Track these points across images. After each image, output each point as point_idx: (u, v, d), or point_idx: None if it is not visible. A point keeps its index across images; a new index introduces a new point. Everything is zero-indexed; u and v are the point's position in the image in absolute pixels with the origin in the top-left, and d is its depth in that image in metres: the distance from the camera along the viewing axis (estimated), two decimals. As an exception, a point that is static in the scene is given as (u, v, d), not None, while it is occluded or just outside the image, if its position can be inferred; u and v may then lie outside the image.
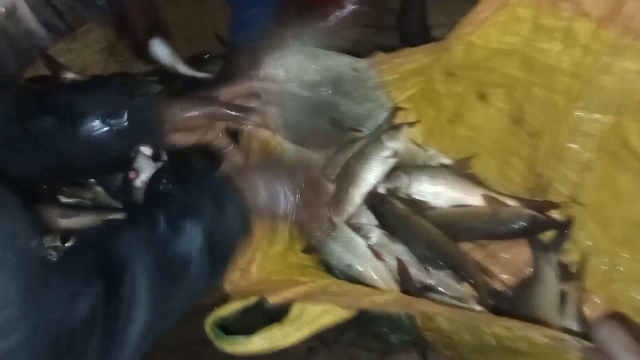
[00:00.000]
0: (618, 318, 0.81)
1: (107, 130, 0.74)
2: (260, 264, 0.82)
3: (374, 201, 1.05)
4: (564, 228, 0.98)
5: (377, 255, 0.97)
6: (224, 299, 0.75)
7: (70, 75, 1.26)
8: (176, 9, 1.26)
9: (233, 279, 0.78)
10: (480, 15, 0.90)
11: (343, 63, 0.96)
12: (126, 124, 0.75)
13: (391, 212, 1.02)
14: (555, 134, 0.96)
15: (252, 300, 0.72)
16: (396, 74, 1.00)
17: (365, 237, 1.01)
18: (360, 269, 0.96)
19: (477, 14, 0.90)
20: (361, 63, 0.97)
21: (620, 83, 0.83)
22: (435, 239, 0.98)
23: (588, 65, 0.86)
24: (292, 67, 0.94)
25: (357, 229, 1.02)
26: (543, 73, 0.94)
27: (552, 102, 0.94)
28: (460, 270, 0.95)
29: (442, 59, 0.97)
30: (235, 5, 1.10)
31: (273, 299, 0.71)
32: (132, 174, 1.15)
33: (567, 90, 0.91)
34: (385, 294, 0.75)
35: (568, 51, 0.87)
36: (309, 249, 1.00)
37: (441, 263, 0.97)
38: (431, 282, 0.96)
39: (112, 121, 0.74)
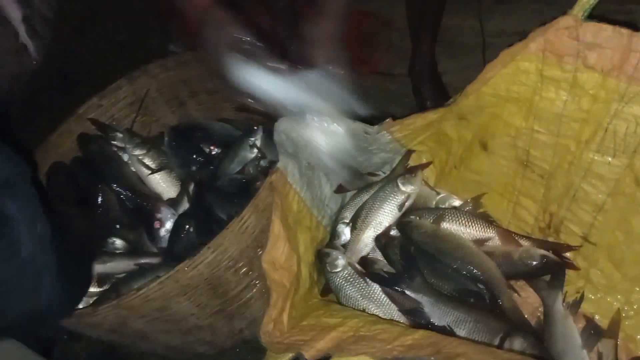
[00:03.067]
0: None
1: None
2: (289, 312, 0.81)
3: (383, 241, 1.03)
4: (572, 267, 0.97)
5: (393, 301, 0.94)
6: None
7: (118, 134, 1.29)
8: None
9: (267, 331, 0.76)
10: (487, 75, 0.91)
11: (356, 128, 0.96)
12: None
13: (419, 234, 1.00)
14: (568, 175, 0.95)
15: (288, 356, 0.71)
16: (408, 131, 1.00)
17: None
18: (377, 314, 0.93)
19: (484, 74, 0.92)
20: (372, 129, 0.97)
21: (634, 127, 0.83)
22: (465, 251, 0.96)
23: (596, 112, 0.86)
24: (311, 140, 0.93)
25: (370, 265, 1.00)
26: (549, 121, 0.94)
27: (561, 146, 0.94)
28: (492, 287, 0.93)
29: (453, 109, 0.97)
30: None
31: (309, 354, 0.70)
32: (157, 224, 1.16)
33: (578, 135, 0.90)
34: (414, 332, 0.73)
35: (576, 100, 0.87)
36: (325, 291, 0.98)
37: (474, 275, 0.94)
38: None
39: None
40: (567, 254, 0.99)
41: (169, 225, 1.17)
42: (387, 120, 0.98)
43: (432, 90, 1.44)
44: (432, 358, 0.67)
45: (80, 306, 1.05)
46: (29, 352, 0.92)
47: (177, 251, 1.10)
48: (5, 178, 0.66)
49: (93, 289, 1.10)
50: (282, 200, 0.87)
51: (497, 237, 1.00)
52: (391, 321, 0.87)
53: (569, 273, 0.97)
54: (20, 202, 0.66)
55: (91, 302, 1.07)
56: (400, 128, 0.99)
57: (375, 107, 1.55)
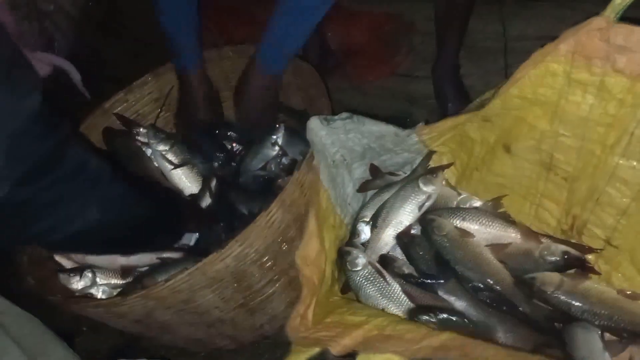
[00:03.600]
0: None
1: None
2: (314, 309, 0.82)
3: (405, 240, 1.03)
4: (593, 271, 0.95)
5: (413, 300, 0.95)
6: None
7: (142, 130, 1.31)
8: (222, 64, 1.30)
9: (294, 326, 0.77)
10: (517, 76, 0.91)
11: (387, 130, 0.97)
12: None
13: (439, 236, 0.99)
14: (592, 178, 0.95)
15: (315, 351, 0.72)
16: (435, 133, 1.01)
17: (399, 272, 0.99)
18: (397, 314, 0.93)
19: (515, 75, 0.91)
20: (403, 132, 0.98)
21: (660, 134, 0.83)
22: (482, 262, 0.95)
23: (623, 117, 0.86)
24: (342, 141, 0.95)
25: (390, 263, 1.01)
26: (574, 124, 0.94)
27: (586, 150, 0.94)
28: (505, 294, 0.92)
29: (480, 111, 0.98)
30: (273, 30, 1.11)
31: (335, 349, 0.70)
32: None
33: (603, 139, 0.90)
34: (440, 334, 0.74)
35: (603, 104, 0.87)
36: (345, 289, 0.99)
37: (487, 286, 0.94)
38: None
39: None
40: (590, 258, 0.99)
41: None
42: (420, 124, 0.99)
43: (454, 92, 1.44)
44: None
45: (106, 296, 1.07)
46: (52, 337, 0.93)
47: (201, 246, 1.11)
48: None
49: (117, 281, 1.11)
50: (315, 196, 0.89)
51: (518, 235, 0.99)
52: (415, 322, 0.87)
53: (592, 276, 0.96)
54: None
55: (115, 293, 1.09)
56: (429, 131, 0.99)
57: (397, 108, 1.59)
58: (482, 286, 0.94)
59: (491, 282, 0.93)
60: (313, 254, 0.86)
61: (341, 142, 0.95)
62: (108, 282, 1.11)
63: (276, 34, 1.11)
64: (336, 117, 0.92)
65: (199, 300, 0.95)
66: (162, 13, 1.17)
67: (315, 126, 0.90)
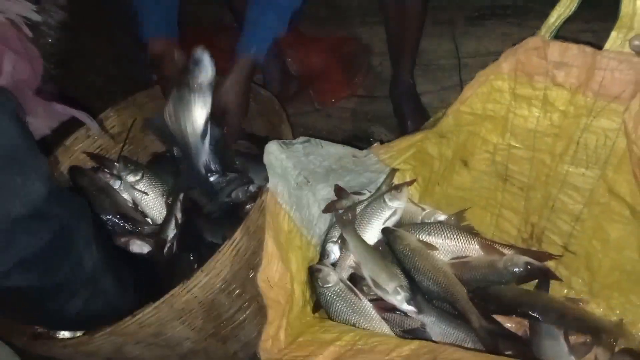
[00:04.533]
0: (629, 352, 0.82)
1: None
2: (286, 329, 0.82)
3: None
4: (555, 277, 0.98)
5: (382, 315, 0.96)
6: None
7: (115, 164, 1.32)
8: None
9: (266, 348, 0.77)
10: (464, 95, 0.95)
11: (344, 152, 0.99)
12: None
13: (402, 245, 1.01)
14: (546, 187, 0.99)
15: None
16: (393, 152, 1.04)
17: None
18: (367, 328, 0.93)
19: (462, 95, 0.96)
20: (360, 153, 1.01)
21: (603, 140, 0.86)
22: (440, 274, 0.97)
23: (567, 127, 0.90)
24: (303, 163, 0.97)
25: (360, 281, 1.02)
26: (524, 136, 0.98)
27: (537, 160, 0.98)
28: (458, 308, 0.94)
29: (435, 128, 1.01)
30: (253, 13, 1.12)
31: (308, 370, 0.71)
32: None
33: (552, 149, 0.94)
34: (410, 343, 0.75)
35: (548, 116, 0.91)
36: (317, 306, 0.99)
37: (442, 296, 0.96)
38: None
39: None
40: (550, 264, 1.02)
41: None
42: (375, 144, 1.02)
43: (412, 110, 1.48)
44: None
45: (70, 335, 1.05)
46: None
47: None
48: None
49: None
50: (274, 220, 0.89)
51: (481, 248, 1.02)
52: (386, 334, 0.88)
53: (553, 282, 0.99)
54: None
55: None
56: (386, 150, 1.02)
57: (359, 128, 1.61)
58: (438, 296, 0.96)
59: (446, 294, 0.95)
60: (276, 275, 0.86)
61: (302, 164, 0.96)
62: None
63: (250, 18, 1.13)
64: (294, 141, 0.93)
65: (169, 333, 0.94)
66: None
67: (274, 150, 0.91)
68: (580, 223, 0.97)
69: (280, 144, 0.92)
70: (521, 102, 0.93)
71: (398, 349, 0.74)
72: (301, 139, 0.94)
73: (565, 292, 1.02)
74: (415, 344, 0.75)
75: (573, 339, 0.91)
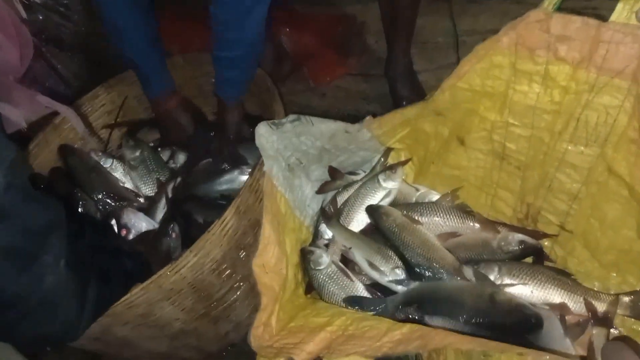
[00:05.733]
0: (623, 339, 0.80)
1: None
2: (278, 315, 0.79)
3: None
4: (547, 259, 0.96)
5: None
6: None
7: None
8: (174, 72, 1.26)
9: (257, 334, 0.74)
10: (462, 70, 0.90)
11: (336, 127, 0.95)
12: None
13: (387, 222, 0.97)
14: (543, 165, 0.95)
15: (279, 360, 0.69)
16: (387, 127, 0.99)
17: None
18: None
19: (458, 69, 0.91)
20: (353, 127, 0.96)
21: (604, 117, 0.83)
22: (429, 246, 0.93)
23: (568, 103, 0.86)
24: (294, 145, 0.93)
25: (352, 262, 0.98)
26: (523, 113, 0.94)
27: (536, 138, 0.94)
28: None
29: (430, 104, 0.97)
30: (217, 66, 1.11)
31: (300, 357, 0.68)
32: (123, 232, 1.13)
33: (551, 126, 0.90)
34: (402, 327, 0.72)
35: (548, 92, 0.87)
36: (309, 288, 0.96)
37: (433, 268, 0.91)
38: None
39: None
40: (546, 244, 0.99)
41: (135, 230, 1.13)
42: (367, 117, 0.97)
43: (408, 88, 1.44)
44: (421, 351, 0.66)
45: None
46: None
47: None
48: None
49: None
50: (271, 203, 0.85)
51: (475, 226, 0.98)
52: (378, 317, 0.85)
53: (548, 262, 0.96)
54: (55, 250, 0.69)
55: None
56: (379, 125, 0.98)
57: (354, 106, 1.57)
58: (429, 272, 0.91)
59: (437, 266, 0.91)
60: (273, 260, 0.83)
61: (294, 145, 0.92)
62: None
63: (219, 75, 1.13)
64: (284, 120, 0.89)
65: (158, 313, 0.91)
66: (127, 47, 1.15)
67: (265, 132, 0.87)
68: (577, 202, 0.94)
69: (270, 125, 0.88)
70: (521, 77, 0.88)
71: (390, 333, 0.71)
72: (291, 117, 0.89)
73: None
74: (406, 328, 0.72)
75: (568, 319, 0.88)
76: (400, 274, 0.92)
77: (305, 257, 0.95)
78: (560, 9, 0.81)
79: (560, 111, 0.88)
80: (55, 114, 1.29)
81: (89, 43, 1.96)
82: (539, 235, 0.98)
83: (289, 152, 0.93)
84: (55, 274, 0.68)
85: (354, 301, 0.90)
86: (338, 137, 0.95)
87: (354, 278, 0.94)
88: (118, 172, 1.29)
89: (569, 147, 0.90)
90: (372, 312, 0.88)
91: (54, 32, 2.02)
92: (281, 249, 0.86)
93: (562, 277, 0.88)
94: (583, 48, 0.78)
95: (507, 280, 0.88)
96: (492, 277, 0.88)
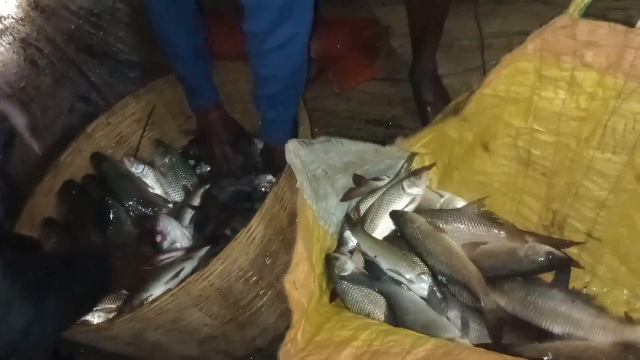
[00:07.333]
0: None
1: None
2: (304, 328, 0.79)
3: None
4: (576, 266, 0.93)
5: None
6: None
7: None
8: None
9: (286, 351, 0.75)
10: (488, 79, 0.90)
11: (367, 148, 0.96)
12: None
13: (412, 228, 0.96)
14: (570, 172, 0.93)
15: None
16: (415, 137, 1.01)
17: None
18: (380, 318, 0.91)
19: (486, 79, 0.91)
20: (384, 148, 0.97)
21: (632, 124, 0.81)
22: (452, 255, 0.92)
23: (595, 110, 0.84)
24: (322, 159, 0.93)
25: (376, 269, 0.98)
26: (548, 120, 0.92)
27: (562, 144, 0.92)
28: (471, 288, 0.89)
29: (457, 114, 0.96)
30: (257, 107, 1.09)
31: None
32: (158, 238, 1.15)
33: (577, 133, 0.89)
34: (427, 342, 0.72)
35: (574, 98, 0.86)
36: (333, 296, 0.96)
37: (455, 278, 0.91)
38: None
39: None
40: (573, 251, 0.97)
41: (171, 236, 1.16)
42: (399, 138, 0.98)
43: (432, 96, 1.42)
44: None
45: (98, 321, 1.05)
46: None
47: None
48: None
49: (111, 305, 1.08)
50: (304, 219, 0.86)
51: (501, 234, 0.97)
52: (402, 330, 0.84)
53: (575, 269, 0.94)
54: None
55: (110, 316, 1.06)
56: (410, 144, 0.99)
57: (378, 111, 1.57)
58: (451, 278, 0.92)
59: (459, 275, 0.90)
60: (302, 276, 0.83)
61: (321, 159, 0.93)
62: (103, 307, 1.08)
63: (260, 109, 1.11)
64: (314, 140, 0.90)
65: (187, 319, 0.93)
66: (179, 61, 1.17)
67: (294, 148, 0.88)
68: (605, 210, 0.92)
69: (300, 142, 0.89)
70: (547, 83, 0.87)
71: (414, 350, 0.71)
72: (321, 138, 0.90)
73: (588, 279, 0.98)
74: (431, 344, 0.72)
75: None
76: (427, 279, 0.91)
77: (330, 263, 0.95)
78: (586, 14, 0.80)
79: (586, 118, 0.86)
80: (87, 122, 1.34)
81: (118, 51, 2.02)
82: (566, 244, 0.96)
83: (316, 165, 0.94)
84: None
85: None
86: (367, 154, 0.96)
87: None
88: (149, 179, 1.33)
89: (596, 154, 0.88)
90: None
91: (85, 40, 2.09)
92: (310, 264, 0.87)
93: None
94: (610, 54, 0.77)
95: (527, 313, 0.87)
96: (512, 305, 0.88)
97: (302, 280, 0.83)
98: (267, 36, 0.90)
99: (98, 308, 1.07)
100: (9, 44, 2.17)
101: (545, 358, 0.80)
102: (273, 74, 0.98)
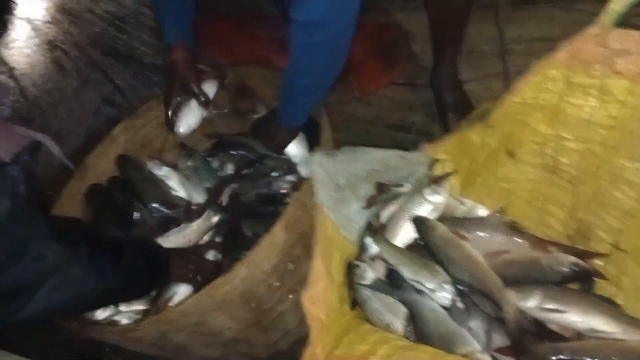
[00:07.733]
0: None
1: None
2: (323, 341, 0.78)
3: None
4: (601, 277, 0.91)
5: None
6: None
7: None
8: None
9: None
10: (517, 87, 0.89)
11: (392, 155, 0.96)
12: None
13: (433, 236, 0.95)
14: (596, 180, 0.92)
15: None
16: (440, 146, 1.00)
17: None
18: (399, 330, 0.90)
19: (515, 87, 0.90)
20: (409, 154, 0.97)
21: (663, 134, 0.80)
22: (473, 264, 0.91)
23: (625, 118, 0.83)
24: (345, 169, 0.94)
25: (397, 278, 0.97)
26: (576, 127, 0.91)
27: (589, 152, 0.91)
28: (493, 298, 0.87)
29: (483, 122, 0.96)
30: (292, 94, 1.07)
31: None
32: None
33: (605, 140, 0.88)
34: (446, 358, 0.71)
35: (604, 106, 0.84)
36: (354, 304, 0.95)
37: (477, 287, 0.89)
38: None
39: None
40: (598, 262, 0.95)
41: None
42: (424, 144, 0.98)
43: (454, 101, 1.41)
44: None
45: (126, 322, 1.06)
46: None
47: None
48: None
49: (139, 307, 1.09)
50: (323, 233, 0.86)
51: (525, 244, 0.95)
52: (420, 347, 0.83)
53: (600, 280, 0.93)
54: None
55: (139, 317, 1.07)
56: (435, 151, 0.98)
57: (399, 116, 1.56)
58: (472, 287, 0.90)
59: (480, 284, 0.88)
60: (320, 291, 0.83)
61: (345, 170, 0.93)
62: (130, 308, 1.09)
63: (288, 94, 1.08)
64: (339, 152, 0.90)
65: (211, 322, 0.94)
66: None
67: (319, 159, 0.89)
68: (632, 219, 0.90)
69: (324, 155, 0.89)
70: (575, 90, 0.86)
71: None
72: (346, 149, 0.91)
73: (613, 291, 0.95)
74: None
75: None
76: (449, 288, 0.91)
77: (350, 270, 0.95)
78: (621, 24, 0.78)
79: (616, 126, 0.85)
80: (112, 126, 1.35)
81: (142, 54, 2.05)
82: (591, 255, 0.94)
83: (339, 174, 0.93)
84: (52, 251, 0.76)
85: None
86: (391, 160, 0.95)
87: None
88: (172, 181, 1.34)
89: (625, 163, 0.87)
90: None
91: (110, 43, 2.13)
92: (329, 277, 0.86)
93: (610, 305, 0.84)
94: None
95: (550, 306, 0.85)
96: (534, 302, 0.85)
97: (320, 295, 0.82)
98: (320, 25, 0.89)
99: (126, 310, 1.08)
100: (36, 45, 2.23)
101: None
102: (316, 62, 0.97)
